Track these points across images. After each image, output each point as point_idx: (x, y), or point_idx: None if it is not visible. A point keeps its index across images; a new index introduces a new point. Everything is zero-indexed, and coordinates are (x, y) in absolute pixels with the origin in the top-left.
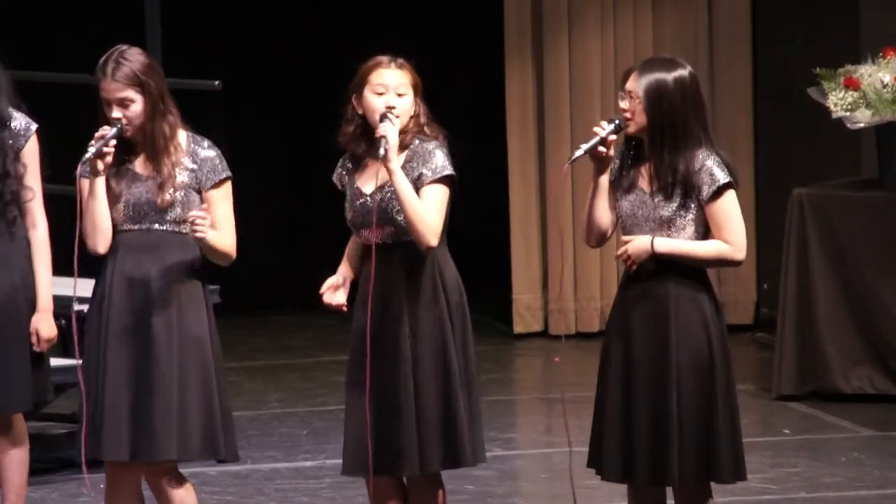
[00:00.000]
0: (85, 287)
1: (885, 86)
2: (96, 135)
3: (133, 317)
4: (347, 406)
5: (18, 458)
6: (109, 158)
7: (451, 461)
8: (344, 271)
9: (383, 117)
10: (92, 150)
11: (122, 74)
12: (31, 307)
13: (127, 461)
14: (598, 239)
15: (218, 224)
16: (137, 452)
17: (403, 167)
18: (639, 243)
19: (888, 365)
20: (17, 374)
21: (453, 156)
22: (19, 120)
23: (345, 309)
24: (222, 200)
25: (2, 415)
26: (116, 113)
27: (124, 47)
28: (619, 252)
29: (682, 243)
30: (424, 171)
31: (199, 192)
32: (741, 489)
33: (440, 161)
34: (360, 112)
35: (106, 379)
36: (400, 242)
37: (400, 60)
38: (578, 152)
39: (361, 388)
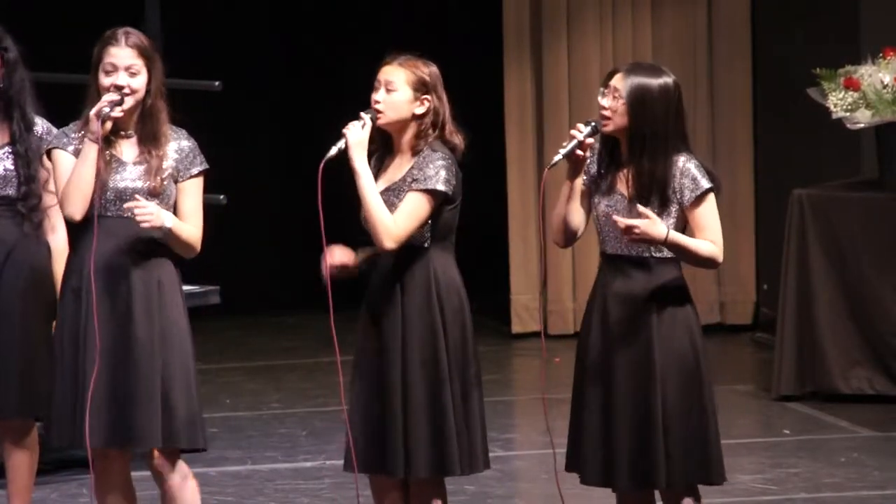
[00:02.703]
0: None
1: (885, 86)
2: (104, 98)
3: (113, 304)
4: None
5: (28, 462)
6: (109, 126)
7: (439, 468)
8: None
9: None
10: (106, 109)
11: (133, 43)
12: (51, 311)
13: (104, 448)
14: (570, 240)
15: (186, 215)
16: (117, 441)
17: (408, 172)
18: (655, 229)
19: (887, 365)
20: (41, 378)
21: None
22: (40, 125)
23: (350, 264)
24: (195, 191)
25: (22, 420)
26: (122, 81)
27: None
28: (630, 225)
29: (688, 239)
30: (418, 177)
31: (176, 181)
32: (741, 490)
33: (434, 173)
34: None
35: (86, 367)
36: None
37: (402, 58)
38: (557, 157)
39: (359, 387)
